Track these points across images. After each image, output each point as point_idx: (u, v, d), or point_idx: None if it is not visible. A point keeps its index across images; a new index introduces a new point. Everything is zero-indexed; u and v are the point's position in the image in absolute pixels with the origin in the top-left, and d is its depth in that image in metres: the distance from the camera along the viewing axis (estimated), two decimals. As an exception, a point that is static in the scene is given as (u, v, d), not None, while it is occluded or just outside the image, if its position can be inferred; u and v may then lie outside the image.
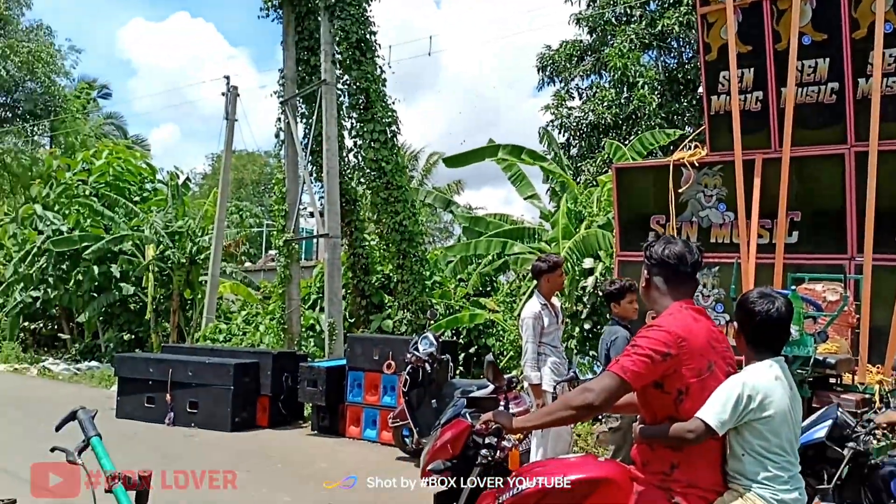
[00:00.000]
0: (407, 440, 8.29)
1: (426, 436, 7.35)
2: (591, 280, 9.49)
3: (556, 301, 6.19)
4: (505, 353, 10.88)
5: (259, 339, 14.60)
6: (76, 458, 2.27)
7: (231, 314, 18.11)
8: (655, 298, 2.81)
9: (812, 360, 5.09)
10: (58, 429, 2.51)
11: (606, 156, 11.65)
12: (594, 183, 13.94)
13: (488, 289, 13.53)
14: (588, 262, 9.87)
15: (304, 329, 13.85)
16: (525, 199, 13.23)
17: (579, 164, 17.83)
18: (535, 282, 6.32)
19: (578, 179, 16.26)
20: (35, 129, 28.45)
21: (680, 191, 7.26)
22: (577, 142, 18.74)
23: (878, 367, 6.12)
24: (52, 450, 2.45)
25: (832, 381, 5.55)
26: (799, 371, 5.02)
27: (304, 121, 13.85)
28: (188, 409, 9.97)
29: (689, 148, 7.52)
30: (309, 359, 11.38)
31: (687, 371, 2.58)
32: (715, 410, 2.55)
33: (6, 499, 2.87)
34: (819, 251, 6.64)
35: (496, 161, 12.95)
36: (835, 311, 5.43)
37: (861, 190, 6.43)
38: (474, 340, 11.97)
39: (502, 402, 3.20)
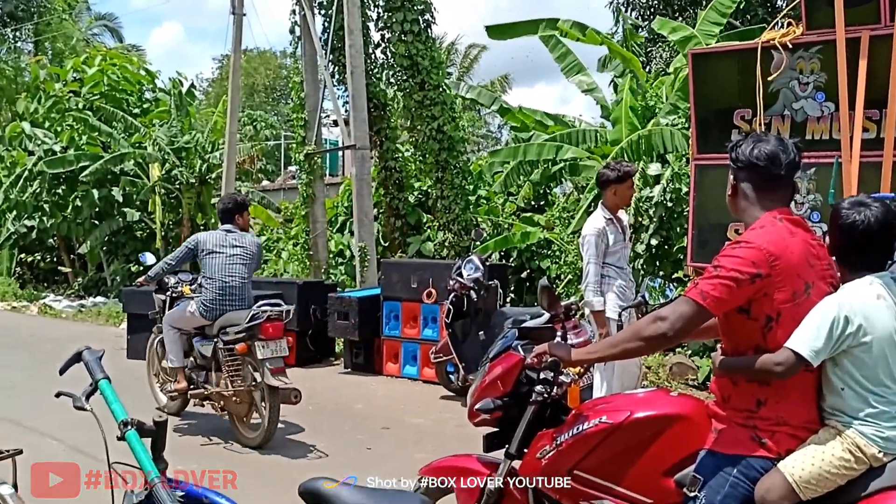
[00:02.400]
0: (452, 377, 8.45)
1: (473, 372, 7.48)
2: (657, 189, 9.34)
3: (623, 216, 6.15)
4: (562, 276, 10.90)
5: (282, 267, 14.87)
6: (84, 404, 2.35)
7: (249, 240, 18.40)
8: (744, 208, 2.75)
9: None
10: (62, 372, 2.59)
11: (681, 39, 11.25)
12: (666, 71, 13.55)
13: (542, 203, 13.47)
14: (654, 168, 9.68)
15: (331, 255, 14.05)
16: (583, 92, 12.96)
17: (650, 50, 17.31)
18: (598, 193, 6.30)
19: (648, 68, 15.82)
20: (17, 33, 28.65)
21: (769, 78, 7.02)
22: (647, 23, 18.16)
23: None
24: (57, 395, 2.53)
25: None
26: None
27: (323, 12, 13.67)
28: (206, 348, 10.27)
29: (781, 26, 7.23)
30: (338, 289, 11.56)
31: (779, 294, 2.54)
32: (807, 338, 2.51)
33: (11, 449, 3.03)
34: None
35: (547, 40, 12.50)
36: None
37: None
38: (526, 263, 12.00)
39: (559, 333, 3.22)
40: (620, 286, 5.94)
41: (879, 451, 2.51)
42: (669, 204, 9.02)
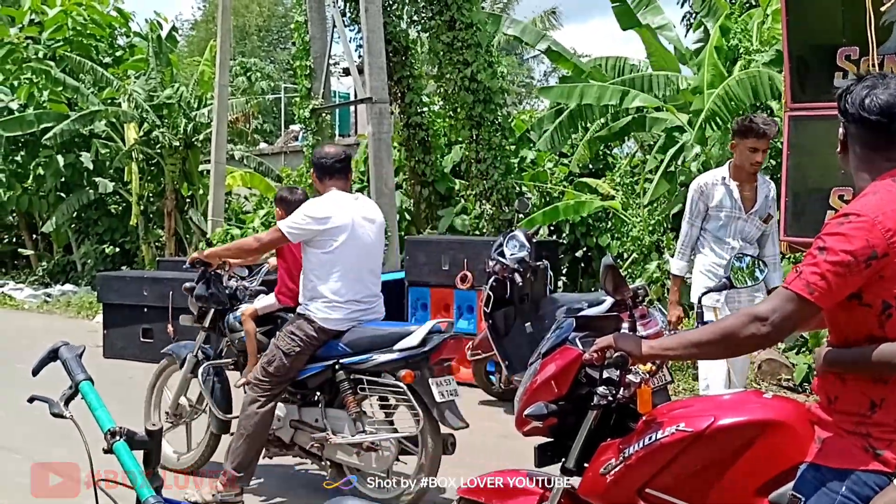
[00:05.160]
0: (493, 378, 8.47)
1: (519, 371, 7.48)
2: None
3: (762, 184, 6.03)
4: (625, 254, 10.86)
5: (285, 246, 14.94)
6: (62, 410, 2.38)
7: (245, 214, 18.57)
8: (853, 170, 2.72)
9: None
10: (35, 372, 2.62)
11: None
12: (754, 3, 13.37)
13: (601, 166, 13.40)
14: (746, 120, 9.62)
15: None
16: (654, 29, 12.81)
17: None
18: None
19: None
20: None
21: (882, 9, 6.92)
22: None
23: None
24: (31, 400, 2.57)
25: None
26: None
27: (329, -65, 13.67)
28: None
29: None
30: (354, 272, 11.60)
31: (901, 276, 2.52)
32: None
33: None
34: None
35: None
36: None
37: None
38: (581, 239, 11.97)
39: (626, 323, 3.21)
40: (713, 265, 5.91)
41: None
42: (773, 163, 8.93)
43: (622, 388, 2.97)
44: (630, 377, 2.99)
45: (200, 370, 6.18)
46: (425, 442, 5.32)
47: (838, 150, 2.77)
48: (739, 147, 5.89)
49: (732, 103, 9.58)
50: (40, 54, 19.73)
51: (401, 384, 5.28)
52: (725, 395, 3.04)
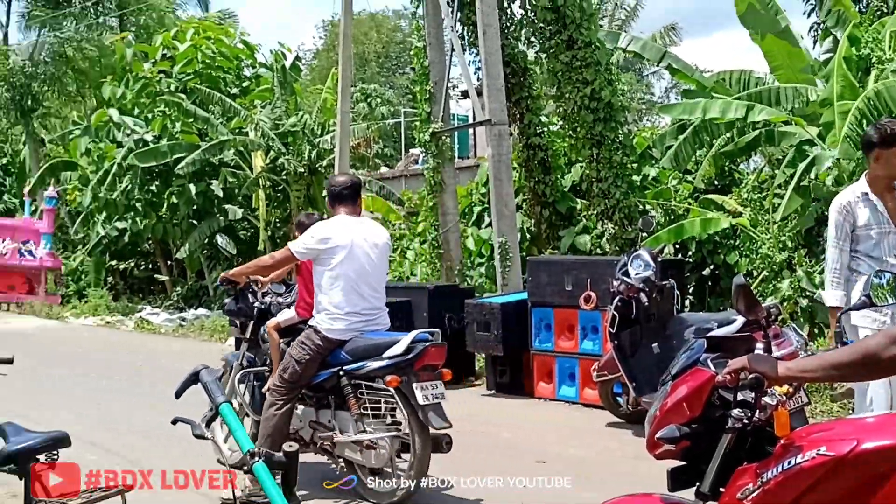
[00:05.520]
0: (619, 399, 8.38)
1: (646, 392, 7.41)
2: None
3: (886, 195, 5.73)
4: (755, 272, 10.60)
5: (408, 269, 15.14)
6: (204, 432, 2.49)
7: (368, 238, 18.80)
8: None
9: None
10: (178, 395, 2.74)
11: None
12: (886, 10, 12.91)
13: (726, 182, 13.12)
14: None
15: (466, 254, 14.16)
16: (781, 41, 12.49)
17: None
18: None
19: (862, 6, 15.10)
20: (98, 8, 30.28)
21: None
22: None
23: None
24: (174, 422, 2.69)
25: None
26: None
27: (447, -39, 13.82)
28: (324, 366, 10.57)
29: None
30: (476, 294, 11.65)
31: None
32: None
33: (115, 488, 3.27)
34: None
35: None
36: None
37: None
38: (708, 257, 11.78)
39: (760, 343, 3.14)
40: None
41: None
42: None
43: (758, 411, 2.90)
44: (766, 399, 2.92)
45: (238, 376, 6.91)
46: (414, 441, 5.87)
47: None
48: (885, 156, 5.59)
49: (865, 115, 9.26)
50: (172, 87, 20.53)
51: (389, 388, 5.86)
52: (869, 418, 2.92)
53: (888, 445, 2.67)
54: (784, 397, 3.03)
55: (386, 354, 5.95)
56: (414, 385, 5.88)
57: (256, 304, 6.95)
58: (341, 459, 6.22)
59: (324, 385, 6.24)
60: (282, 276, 7.27)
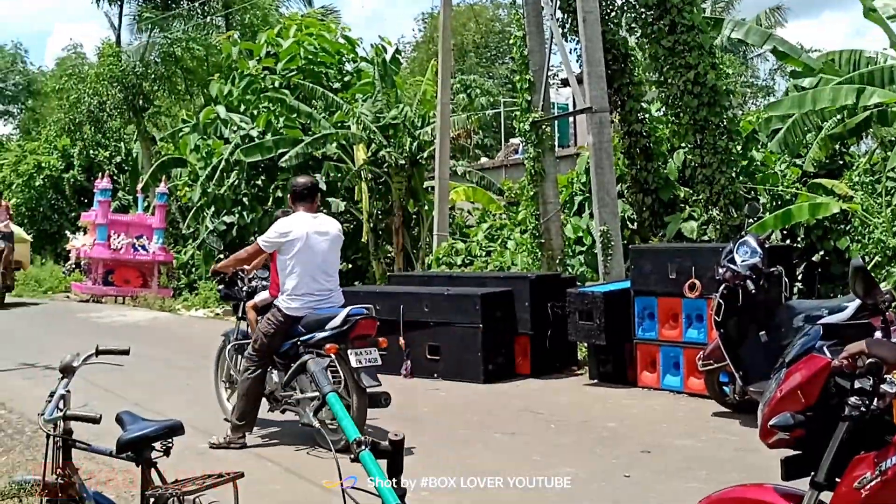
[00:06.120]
0: (726, 388, 8.24)
1: (754, 381, 7.28)
2: None
3: None
4: (867, 258, 10.27)
5: (509, 259, 15.11)
6: (311, 420, 2.52)
7: (468, 228, 18.90)
8: None
9: None
10: (286, 385, 2.78)
11: None
12: None
13: (837, 165, 12.75)
14: None
15: (567, 242, 14.08)
16: (889, 18, 12.05)
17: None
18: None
19: None
20: (205, 8, 31.08)
21: None
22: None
23: None
24: (283, 411, 2.73)
25: None
26: None
27: (545, -51, 13.73)
28: (427, 356, 10.66)
29: None
30: (578, 283, 11.58)
31: None
32: None
33: (232, 473, 3.39)
34: None
35: None
36: None
37: None
38: (817, 243, 11.50)
39: (878, 328, 3.03)
40: None
41: None
42: None
43: (876, 399, 2.80)
44: (884, 387, 2.82)
45: (230, 348, 8.33)
46: (351, 398, 6.83)
47: None
48: None
49: None
50: (276, 84, 20.93)
51: (330, 355, 6.71)
52: None
53: None
54: (905, 384, 2.92)
55: (328, 327, 7.05)
56: (349, 351, 6.92)
57: (245, 288, 8.26)
58: (303, 413, 7.00)
59: (288, 353, 7.26)
60: (261, 263, 8.19)
